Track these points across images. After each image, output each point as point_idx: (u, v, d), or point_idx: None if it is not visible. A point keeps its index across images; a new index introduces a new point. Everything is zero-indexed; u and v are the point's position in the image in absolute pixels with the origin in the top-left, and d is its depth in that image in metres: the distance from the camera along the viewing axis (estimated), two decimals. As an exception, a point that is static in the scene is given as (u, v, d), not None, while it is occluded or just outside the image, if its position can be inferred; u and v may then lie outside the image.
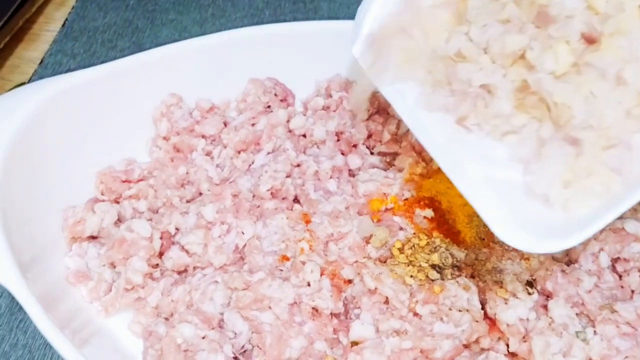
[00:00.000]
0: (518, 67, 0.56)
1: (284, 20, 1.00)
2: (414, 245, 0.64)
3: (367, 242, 0.65)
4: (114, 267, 0.65)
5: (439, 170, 0.70)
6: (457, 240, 0.66)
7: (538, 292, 0.61)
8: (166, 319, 0.63)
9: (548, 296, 0.62)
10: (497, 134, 0.57)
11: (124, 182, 0.70)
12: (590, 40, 0.53)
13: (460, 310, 0.59)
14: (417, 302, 0.59)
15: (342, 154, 0.75)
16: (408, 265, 0.62)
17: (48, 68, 0.95)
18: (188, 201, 0.71)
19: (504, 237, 0.53)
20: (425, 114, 0.60)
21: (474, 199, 0.55)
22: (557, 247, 0.52)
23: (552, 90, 0.53)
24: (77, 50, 0.97)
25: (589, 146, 0.53)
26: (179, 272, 0.66)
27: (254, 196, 0.70)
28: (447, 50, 0.59)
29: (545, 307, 0.60)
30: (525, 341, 0.58)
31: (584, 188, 0.53)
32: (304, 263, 0.62)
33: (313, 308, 0.60)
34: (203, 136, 0.75)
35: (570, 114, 0.53)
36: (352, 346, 0.59)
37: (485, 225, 0.65)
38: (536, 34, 0.54)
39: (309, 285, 0.61)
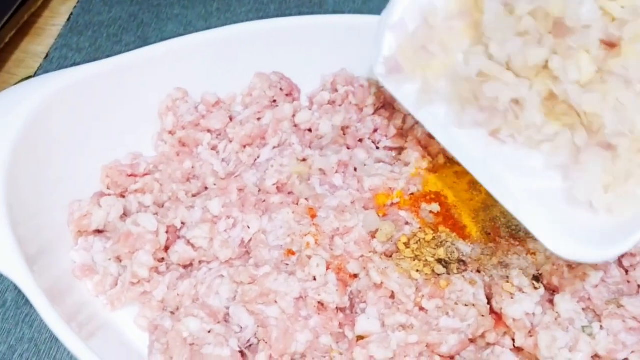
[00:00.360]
0: (543, 78, 0.56)
1: (290, 15, 1.00)
2: (419, 240, 0.64)
3: (373, 237, 0.65)
4: (120, 261, 0.65)
5: (445, 164, 0.70)
6: (463, 234, 0.65)
7: (544, 286, 0.61)
8: (172, 312, 0.63)
9: (554, 291, 0.62)
10: (532, 144, 0.58)
11: (129, 176, 0.70)
12: (610, 45, 0.53)
13: (466, 305, 0.59)
14: (423, 296, 0.59)
15: (348, 148, 0.75)
16: (414, 260, 0.62)
17: (53, 62, 0.95)
18: (194, 195, 0.71)
19: (556, 250, 0.53)
20: (457, 130, 0.60)
21: (521, 213, 0.55)
22: (610, 255, 0.52)
23: (580, 101, 0.54)
24: (83, 45, 0.97)
25: (624, 150, 0.53)
26: (185, 266, 0.66)
27: (259, 190, 0.70)
28: (468, 72, 0.59)
29: (551, 301, 0.60)
30: (531, 336, 0.58)
31: (624, 192, 0.54)
32: (309, 257, 0.62)
33: (319, 302, 0.60)
34: (209, 130, 0.75)
35: (601, 122, 0.53)
36: (357, 340, 0.59)
37: (491, 220, 0.66)
38: (556, 44, 0.55)
39: (314, 279, 0.61)
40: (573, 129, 0.55)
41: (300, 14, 1.01)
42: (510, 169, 0.57)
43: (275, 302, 0.60)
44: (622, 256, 0.63)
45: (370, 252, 0.64)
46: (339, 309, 0.61)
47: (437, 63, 0.62)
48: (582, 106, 0.54)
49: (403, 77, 0.64)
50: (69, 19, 1.01)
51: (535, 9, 0.55)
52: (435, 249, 0.63)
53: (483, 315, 0.59)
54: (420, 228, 0.65)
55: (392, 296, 0.60)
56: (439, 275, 0.61)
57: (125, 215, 0.68)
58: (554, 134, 0.56)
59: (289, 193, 0.70)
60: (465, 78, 0.60)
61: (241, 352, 0.59)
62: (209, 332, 0.58)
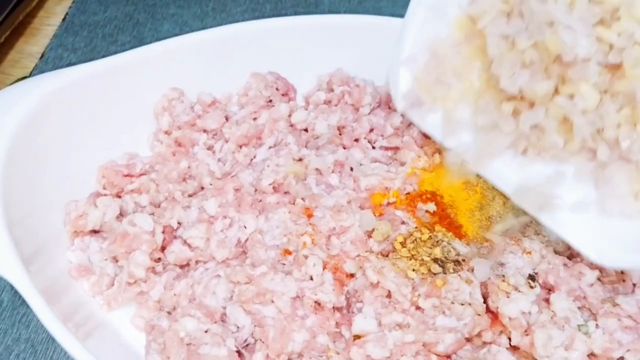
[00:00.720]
0: (555, 105, 0.58)
1: (285, 15, 1.00)
2: (416, 239, 0.64)
3: (369, 236, 0.65)
4: (116, 261, 0.65)
5: (441, 164, 0.70)
6: (459, 234, 0.66)
7: (540, 285, 0.61)
8: (169, 312, 0.63)
9: (550, 290, 0.62)
10: (559, 160, 0.60)
11: (125, 176, 0.70)
12: (614, 67, 0.55)
13: (462, 304, 0.59)
14: (419, 295, 0.59)
15: (344, 148, 0.75)
16: (410, 259, 0.62)
17: (49, 62, 0.94)
18: (190, 195, 0.71)
19: (601, 261, 0.56)
20: (489, 157, 0.62)
21: (562, 230, 0.58)
22: None
23: (587, 136, 0.57)
24: (78, 45, 0.97)
25: None
26: (181, 266, 0.66)
27: (256, 190, 0.70)
28: (477, 122, 0.63)
29: (547, 300, 0.60)
30: (527, 334, 0.58)
31: None
32: (306, 257, 0.62)
33: (315, 302, 0.60)
34: (205, 130, 0.75)
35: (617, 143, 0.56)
36: (354, 340, 0.59)
37: (487, 219, 0.66)
38: (562, 71, 0.57)
39: (311, 279, 0.61)
40: (595, 142, 0.58)
41: (295, 13, 1.02)
42: (545, 187, 0.60)
43: (272, 301, 0.60)
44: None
45: (366, 251, 0.64)
46: (335, 309, 0.61)
47: (454, 93, 0.65)
48: (588, 143, 0.57)
49: (425, 110, 0.66)
50: (64, 19, 1.01)
51: (536, 42, 0.58)
52: (431, 248, 0.63)
53: (479, 314, 0.59)
54: (416, 227, 0.65)
55: (389, 295, 0.60)
56: (435, 274, 0.61)
57: (121, 215, 0.67)
58: (578, 149, 0.58)
59: (285, 193, 0.70)
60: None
61: (238, 351, 0.59)
62: (206, 332, 0.58)
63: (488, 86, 0.65)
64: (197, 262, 0.66)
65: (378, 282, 0.60)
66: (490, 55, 0.61)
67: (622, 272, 0.63)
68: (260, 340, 0.59)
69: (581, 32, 0.55)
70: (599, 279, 0.61)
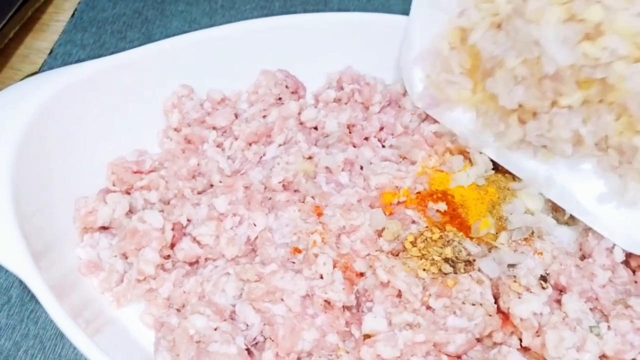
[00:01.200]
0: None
1: (294, 12, 1.00)
2: (426, 239, 0.64)
3: (380, 235, 0.65)
4: (126, 257, 0.65)
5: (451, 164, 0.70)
6: (470, 234, 0.65)
7: (552, 286, 0.61)
8: (178, 310, 0.62)
9: (562, 291, 0.61)
10: (576, 157, 0.63)
11: (135, 173, 0.70)
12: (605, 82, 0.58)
13: (473, 304, 0.58)
14: (430, 295, 0.59)
15: (354, 146, 0.74)
16: (421, 259, 0.62)
17: (57, 58, 0.94)
18: (199, 192, 0.70)
19: (633, 248, 0.60)
20: (512, 152, 0.66)
21: (591, 220, 0.62)
22: None
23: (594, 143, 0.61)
24: (87, 41, 0.97)
25: None
26: (191, 264, 0.66)
27: (265, 188, 0.70)
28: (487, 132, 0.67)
29: (558, 301, 0.60)
30: (538, 335, 0.58)
31: None
32: (316, 255, 0.62)
33: (325, 300, 0.60)
34: (214, 128, 0.75)
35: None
36: (364, 339, 0.59)
37: (498, 219, 0.65)
38: (554, 86, 0.60)
39: (321, 277, 0.61)
40: (601, 149, 0.61)
41: (305, 11, 1.01)
42: (570, 178, 0.63)
43: (282, 300, 0.60)
44: (630, 256, 0.63)
45: (376, 250, 0.64)
46: (345, 308, 0.61)
47: (464, 93, 0.67)
48: (595, 151, 0.61)
49: (442, 108, 0.69)
50: (73, 15, 1.01)
51: (525, 59, 0.60)
52: (442, 248, 0.63)
53: (490, 315, 0.59)
54: (427, 227, 0.65)
55: (399, 295, 0.60)
56: (446, 274, 0.61)
57: (130, 212, 0.67)
58: (590, 150, 0.61)
59: (295, 191, 0.70)
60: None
61: (248, 350, 0.58)
62: (215, 329, 0.58)
63: (485, 96, 0.65)
64: (206, 259, 0.65)
65: (388, 282, 0.60)
66: (486, 69, 0.63)
67: (634, 274, 0.63)
68: (270, 338, 0.59)
69: (562, 58, 0.57)
70: (610, 280, 0.61)
